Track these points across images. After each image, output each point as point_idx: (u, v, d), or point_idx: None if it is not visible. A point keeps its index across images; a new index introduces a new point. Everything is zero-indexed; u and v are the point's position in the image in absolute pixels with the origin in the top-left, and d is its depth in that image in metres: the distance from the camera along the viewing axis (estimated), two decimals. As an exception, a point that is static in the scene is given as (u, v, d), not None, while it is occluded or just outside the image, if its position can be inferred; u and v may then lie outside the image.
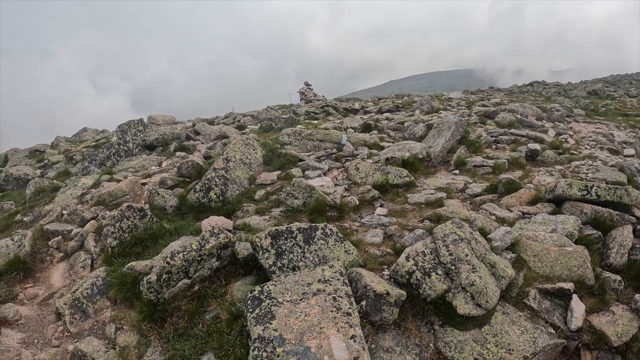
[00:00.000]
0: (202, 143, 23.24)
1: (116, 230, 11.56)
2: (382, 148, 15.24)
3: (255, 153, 14.48)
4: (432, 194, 11.52)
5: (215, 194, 12.54)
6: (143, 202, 14.26)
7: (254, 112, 34.97)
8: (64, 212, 14.98)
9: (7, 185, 23.35)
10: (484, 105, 26.08)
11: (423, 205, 11.02)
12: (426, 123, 17.71)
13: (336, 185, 12.37)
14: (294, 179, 11.81)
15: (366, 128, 19.30)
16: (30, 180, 20.34)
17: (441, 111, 24.11)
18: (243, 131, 22.38)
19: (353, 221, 10.48)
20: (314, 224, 8.48)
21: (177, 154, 20.93)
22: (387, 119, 21.56)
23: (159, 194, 13.55)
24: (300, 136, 15.91)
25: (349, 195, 11.62)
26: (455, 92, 35.78)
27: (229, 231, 10.83)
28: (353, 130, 19.05)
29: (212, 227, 9.18)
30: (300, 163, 13.86)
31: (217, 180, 12.77)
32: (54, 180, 20.71)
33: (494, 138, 17.03)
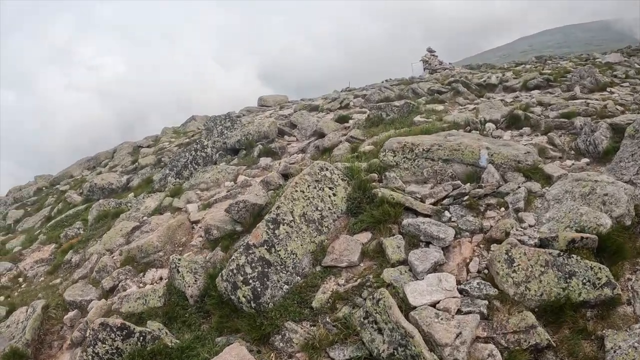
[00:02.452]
0: (296, 140, 17.55)
1: (89, 358, 7.15)
2: (549, 179, 8.33)
3: (333, 195, 8.36)
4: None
5: (244, 296, 6.80)
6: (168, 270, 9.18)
7: (368, 88, 28.60)
8: (98, 265, 11.31)
9: (93, 195, 20.76)
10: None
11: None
12: (610, 122, 10.19)
13: (463, 296, 5.88)
14: (380, 292, 5.71)
15: (513, 122, 12.33)
16: (94, 204, 16.93)
17: (609, 88, 16.22)
18: (345, 124, 16.36)
19: None
20: None
21: (261, 160, 15.53)
22: (540, 103, 14.18)
23: (178, 271, 8.39)
24: (413, 153, 9.38)
25: (484, 337, 5.24)
26: (612, 54, 25.93)
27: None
28: (494, 127, 12.19)
29: None
30: (405, 221, 7.47)
31: (249, 272, 6.99)
32: (123, 200, 17.44)
33: None
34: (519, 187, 8.26)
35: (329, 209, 8.17)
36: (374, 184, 8.78)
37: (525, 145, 10.43)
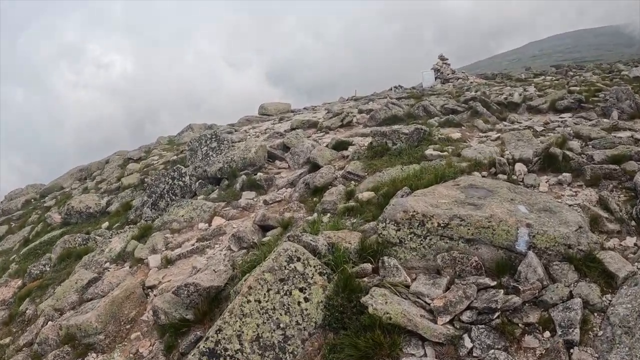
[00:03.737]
0: (288, 168, 14.91)
1: None
2: (611, 278, 5.59)
3: (305, 300, 5.68)
4: None
5: None
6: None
7: (375, 98, 25.81)
8: (40, 336, 9.35)
9: (71, 218, 19.08)
10: None
11: None
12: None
13: None
14: None
15: (549, 163, 9.49)
16: (58, 242, 14.82)
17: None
18: (343, 152, 13.65)
19: None
20: None
21: (243, 195, 13.05)
22: (577, 135, 11.20)
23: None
24: (424, 229, 6.56)
25: None
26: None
27: None
28: (525, 169, 9.42)
29: None
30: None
31: None
32: (92, 234, 14.90)
33: None
34: (571, 294, 5.57)
35: (297, 323, 5.50)
36: (365, 279, 6.07)
37: (570, 204, 7.74)
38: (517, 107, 15.89)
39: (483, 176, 9.67)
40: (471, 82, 26.92)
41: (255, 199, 12.72)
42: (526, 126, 13.17)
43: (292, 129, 19.04)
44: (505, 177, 9.47)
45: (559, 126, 12.83)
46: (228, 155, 15.10)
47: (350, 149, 13.90)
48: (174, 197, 14.50)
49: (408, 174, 9.95)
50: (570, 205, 7.77)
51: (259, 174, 14.53)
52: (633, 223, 7.27)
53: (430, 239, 6.60)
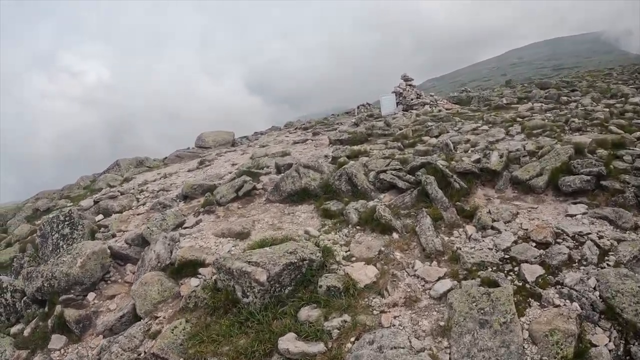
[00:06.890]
0: (125, 288, 8.35)
1: None
2: None
3: None
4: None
5: None
6: None
7: (320, 131, 18.93)
8: None
9: None
10: None
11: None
12: None
13: None
14: None
15: None
16: None
17: None
18: (183, 284, 6.84)
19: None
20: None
21: (52, 341, 7.94)
22: (607, 310, 4.55)
23: None
24: None
25: None
26: None
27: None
28: None
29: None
30: None
31: None
32: None
33: None
34: None
35: None
36: None
37: None
38: (495, 178, 9.06)
39: None
40: (440, 110, 19.82)
41: (62, 352, 7.24)
42: (505, 255, 6.33)
43: (184, 196, 12.28)
44: None
45: (568, 261, 6.01)
46: (57, 263, 8.71)
47: (197, 277, 7.27)
48: (-1, 318, 8.49)
49: None
50: None
51: (90, 295, 8.36)
52: None
53: None
